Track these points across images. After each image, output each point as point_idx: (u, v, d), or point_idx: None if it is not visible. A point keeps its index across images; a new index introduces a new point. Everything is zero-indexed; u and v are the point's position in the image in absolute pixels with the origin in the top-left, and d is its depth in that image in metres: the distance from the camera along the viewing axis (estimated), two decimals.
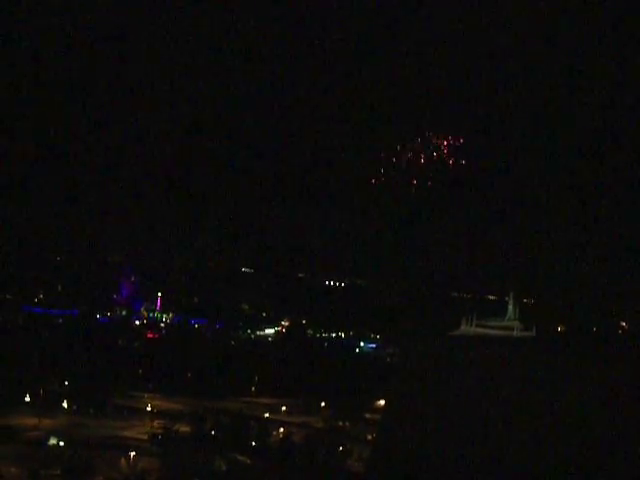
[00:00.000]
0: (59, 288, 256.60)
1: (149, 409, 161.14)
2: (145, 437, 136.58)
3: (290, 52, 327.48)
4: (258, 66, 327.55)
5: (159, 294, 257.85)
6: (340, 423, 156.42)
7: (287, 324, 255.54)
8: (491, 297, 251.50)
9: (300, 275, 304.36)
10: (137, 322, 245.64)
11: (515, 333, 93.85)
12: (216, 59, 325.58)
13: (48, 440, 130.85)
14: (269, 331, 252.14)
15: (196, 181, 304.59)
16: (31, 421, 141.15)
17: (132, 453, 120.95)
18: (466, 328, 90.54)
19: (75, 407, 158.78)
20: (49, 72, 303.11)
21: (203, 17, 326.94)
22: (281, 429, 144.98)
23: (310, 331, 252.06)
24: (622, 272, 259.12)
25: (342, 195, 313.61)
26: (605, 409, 50.30)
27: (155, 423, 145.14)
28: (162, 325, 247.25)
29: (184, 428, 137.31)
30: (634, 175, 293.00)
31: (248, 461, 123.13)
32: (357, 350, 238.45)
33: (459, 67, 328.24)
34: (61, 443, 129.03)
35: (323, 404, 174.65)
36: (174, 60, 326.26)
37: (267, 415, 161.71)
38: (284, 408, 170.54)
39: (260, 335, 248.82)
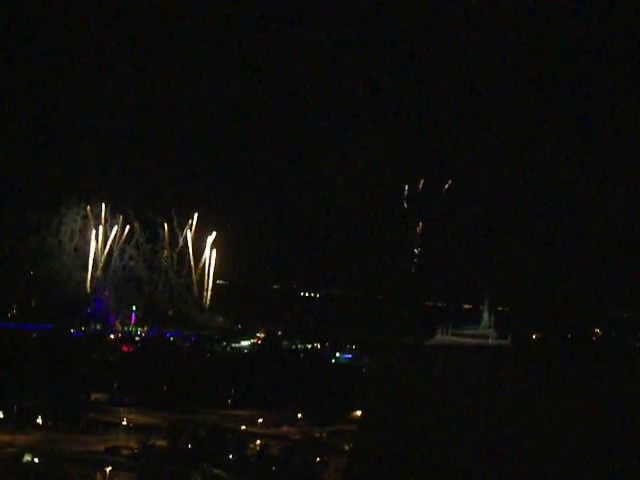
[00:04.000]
0: (32, 303, 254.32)
1: (125, 423, 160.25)
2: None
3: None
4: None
5: (133, 308, 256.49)
6: (317, 434, 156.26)
7: (262, 336, 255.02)
8: (466, 306, 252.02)
9: (275, 287, 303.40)
10: (112, 336, 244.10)
11: (490, 341, 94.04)
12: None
13: (23, 456, 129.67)
14: (245, 343, 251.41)
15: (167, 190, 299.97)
16: (5, 437, 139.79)
17: (108, 468, 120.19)
18: (441, 337, 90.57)
19: (50, 422, 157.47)
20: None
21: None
22: (258, 441, 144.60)
23: (286, 342, 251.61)
24: (596, 279, 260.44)
25: (314, 204, 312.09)
26: (586, 416, 50.42)
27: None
28: (137, 338, 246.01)
29: (160, 442, 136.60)
30: (608, 184, 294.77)
31: (225, 474, 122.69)
32: (333, 361, 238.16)
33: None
34: (36, 459, 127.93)
35: (300, 415, 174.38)
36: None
37: (244, 427, 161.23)
38: (261, 420, 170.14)
39: (236, 347, 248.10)
